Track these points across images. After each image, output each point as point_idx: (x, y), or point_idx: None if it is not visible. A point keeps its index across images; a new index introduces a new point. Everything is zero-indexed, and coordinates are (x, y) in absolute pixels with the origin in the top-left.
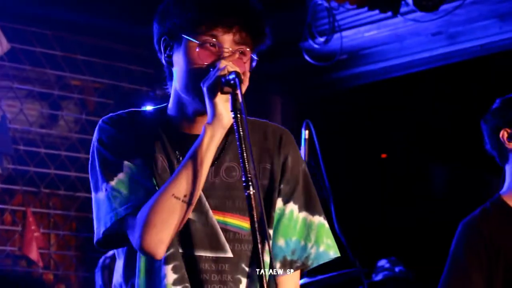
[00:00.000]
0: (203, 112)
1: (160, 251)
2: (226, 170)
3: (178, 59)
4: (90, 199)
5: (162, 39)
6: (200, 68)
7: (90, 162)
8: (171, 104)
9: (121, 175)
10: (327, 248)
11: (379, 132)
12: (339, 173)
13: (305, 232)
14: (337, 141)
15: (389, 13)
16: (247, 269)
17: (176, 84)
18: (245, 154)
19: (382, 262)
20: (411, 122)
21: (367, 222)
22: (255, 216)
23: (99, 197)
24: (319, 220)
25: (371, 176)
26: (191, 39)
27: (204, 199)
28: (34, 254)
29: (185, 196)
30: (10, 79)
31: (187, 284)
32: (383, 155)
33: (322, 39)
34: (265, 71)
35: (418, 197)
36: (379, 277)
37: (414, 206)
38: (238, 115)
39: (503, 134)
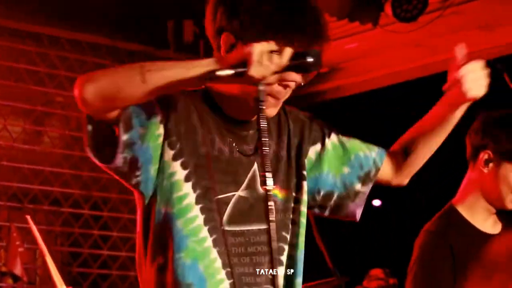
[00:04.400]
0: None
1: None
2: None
3: None
4: (75, 214)
5: (224, 34)
6: None
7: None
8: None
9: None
10: (377, 149)
11: None
12: None
13: (354, 145)
14: None
15: (369, 25)
16: (287, 236)
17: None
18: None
19: (376, 272)
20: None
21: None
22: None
23: None
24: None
25: None
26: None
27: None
28: (18, 270)
29: (149, 71)
30: None
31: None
32: None
33: None
34: None
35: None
36: (372, 285)
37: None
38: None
39: (483, 156)
